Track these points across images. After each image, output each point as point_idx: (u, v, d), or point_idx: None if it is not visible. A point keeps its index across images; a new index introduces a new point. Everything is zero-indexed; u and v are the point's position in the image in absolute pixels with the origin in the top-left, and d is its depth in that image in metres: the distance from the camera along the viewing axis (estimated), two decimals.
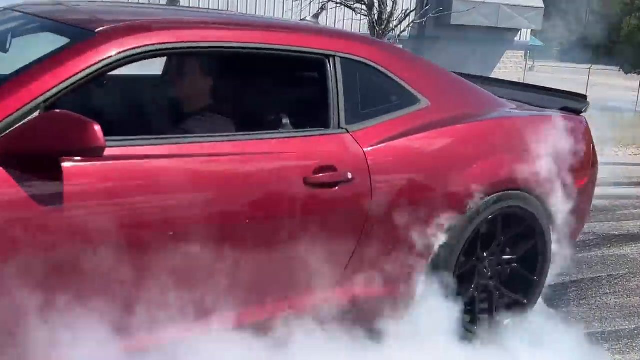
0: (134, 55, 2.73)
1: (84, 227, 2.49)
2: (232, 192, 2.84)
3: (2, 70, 2.74)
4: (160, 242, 2.67)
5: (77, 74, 2.59)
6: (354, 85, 3.27)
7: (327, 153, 3.10)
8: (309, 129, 3.17)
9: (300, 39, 3.23)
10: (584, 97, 4.23)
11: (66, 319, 2.47)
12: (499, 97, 4.04)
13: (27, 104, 2.48)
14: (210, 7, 18.32)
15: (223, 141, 2.90)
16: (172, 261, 2.71)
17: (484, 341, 3.56)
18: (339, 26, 16.19)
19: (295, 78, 3.53)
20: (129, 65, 2.81)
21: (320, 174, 3.03)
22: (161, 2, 14.00)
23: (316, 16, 4.08)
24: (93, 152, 2.42)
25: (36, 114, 2.48)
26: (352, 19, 14.19)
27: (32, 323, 2.44)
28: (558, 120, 3.94)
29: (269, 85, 3.49)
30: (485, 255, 3.69)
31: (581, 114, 4.15)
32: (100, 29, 2.76)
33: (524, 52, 25.49)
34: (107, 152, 2.47)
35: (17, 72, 2.61)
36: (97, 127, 2.38)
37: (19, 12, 3.32)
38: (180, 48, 2.90)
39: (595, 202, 7.32)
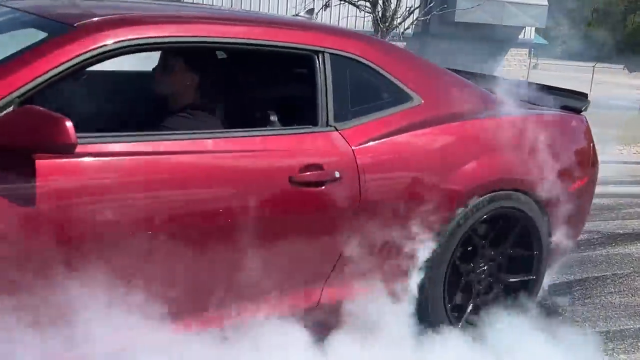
0: (114, 49, 2.67)
1: (52, 225, 2.44)
2: (211, 190, 2.78)
3: None
4: (136, 242, 2.61)
5: (53, 68, 2.53)
6: (344, 82, 3.21)
7: (314, 151, 3.03)
8: (296, 127, 3.10)
9: (289, 35, 3.15)
10: (585, 95, 4.15)
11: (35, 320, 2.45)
12: (498, 95, 3.95)
13: (1, 99, 2.43)
14: (214, 4, 18.31)
15: (204, 138, 2.83)
16: (149, 261, 2.67)
17: (476, 340, 3.51)
18: (342, 23, 16.19)
19: (283, 75, 3.45)
20: (123, 61, 2.81)
21: (306, 173, 2.97)
22: None
23: (310, 12, 4.00)
24: (64, 149, 2.38)
25: (10, 109, 2.43)
26: (356, 16, 14.19)
27: None
28: (557, 119, 3.89)
29: (256, 82, 3.43)
30: (479, 256, 3.63)
31: (581, 113, 4.08)
32: (79, 22, 2.70)
33: (528, 50, 25.44)
34: (82, 148, 2.45)
35: None
36: (69, 124, 2.34)
37: (7, 7, 3.27)
38: (162, 43, 2.84)
39: (599, 200, 7.38)
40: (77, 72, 2.66)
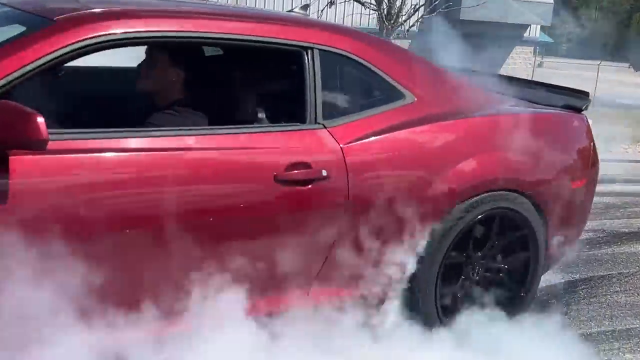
0: (94, 44, 2.60)
1: (23, 221, 2.39)
2: (192, 188, 2.72)
3: None
4: (112, 240, 2.56)
5: (30, 63, 2.47)
6: (333, 79, 3.16)
7: (301, 149, 2.96)
8: (282, 124, 3.03)
9: (277, 30, 3.07)
10: (586, 94, 4.05)
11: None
12: (496, 93, 3.90)
13: None
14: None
15: (186, 135, 2.76)
16: (127, 260, 2.62)
17: (464, 340, 3.44)
18: (347, 21, 16.17)
19: (271, 71, 3.34)
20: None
21: (293, 171, 2.90)
22: None
23: (305, 7, 3.92)
24: (35, 145, 2.34)
25: None
26: (361, 14, 14.17)
27: None
28: (556, 118, 3.82)
29: (244, 78, 3.35)
30: (472, 257, 3.56)
31: (582, 112, 3.97)
32: (59, 17, 2.63)
33: (533, 47, 25.40)
34: (55, 145, 2.42)
35: None
36: (40, 120, 2.29)
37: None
38: (145, 38, 2.78)
39: (605, 199, 7.38)
40: (56, 66, 2.61)
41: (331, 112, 3.11)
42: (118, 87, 3.50)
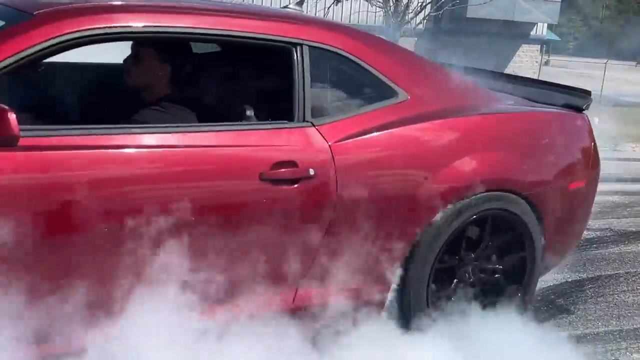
0: (74, 39, 2.55)
1: None
2: (173, 186, 2.65)
3: None
4: (86, 239, 2.51)
5: (8, 57, 2.42)
6: (323, 76, 3.10)
7: (288, 147, 2.90)
8: (269, 122, 2.97)
9: (266, 26, 3.01)
10: (588, 92, 3.93)
11: None
12: (494, 92, 3.81)
13: None
14: None
15: (168, 133, 2.71)
16: (105, 260, 2.58)
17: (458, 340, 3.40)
18: (354, 18, 16.15)
19: (260, 68, 3.26)
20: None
21: (279, 170, 2.84)
22: None
23: (300, 3, 3.85)
24: (6, 141, 2.32)
25: None
26: (367, 11, 14.15)
27: None
28: (555, 117, 3.75)
29: (232, 74, 3.30)
30: (465, 258, 3.48)
31: (583, 111, 3.86)
32: (40, 11, 2.57)
33: (539, 46, 25.34)
34: (27, 142, 2.39)
35: None
36: (12, 115, 2.27)
37: None
38: (127, 33, 2.71)
39: (611, 198, 7.37)
40: (35, 62, 2.56)
41: (321, 109, 3.05)
42: (105, 84, 3.45)
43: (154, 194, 2.62)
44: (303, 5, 3.94)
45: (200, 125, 2.86)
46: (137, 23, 2.71)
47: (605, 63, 23.17)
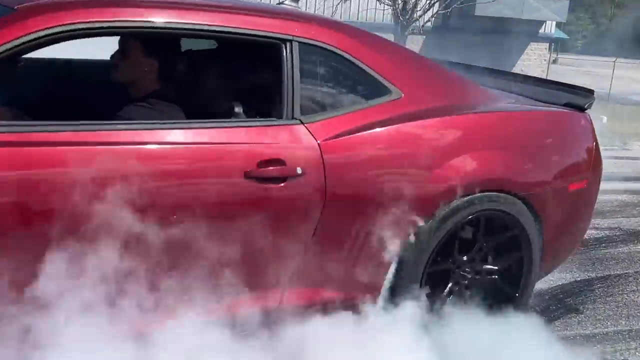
0: (57, 33, 2.50)
1: None
2: (156, 184, 2.59)
3: None
4: (63, 238, 2.44)
5: None
6: (314, 73, 3.04)
7: (275, 145, 2.83)
8: (256, 119, 2.91)
9: (256, 22, 2.93)
10: (591, 92, 3.85)
11: None
12: (493, 90, 3.75)
13: None
14: None
15: (152, 129, 2.65)
16: (86, 262, 2.49)
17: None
18: (362, 16, 16.15)
19: (249, 64, 3.20)
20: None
21: (266, 168, 2.77)
22: None
23: (296, 0, 3.80)
24: None
25: None
26: (376, 9, 14.14)
27: None
28: (555, 116, 3.68)
29: (221, 71, 3.25)
30: (459, 259, 3.43)
31: (585, 110, 3.76)
32: (21, 5, 2.53)
33: (548, 44, 25.28)
34: (7, 137, 2.37)
35: None
36: None
37: None
38: (111, 28, 2.65)
39: (621, 197, 7.34)
40: (15, 56, 2.51)
41: (311, 107, 2.99)
42: (92, 80, 3.41)
43: (137, 191, 2.55)
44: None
45: (185, 122, 2.81)
46: (120, 18, 2.65)
47: (614, 61, 23.10)
